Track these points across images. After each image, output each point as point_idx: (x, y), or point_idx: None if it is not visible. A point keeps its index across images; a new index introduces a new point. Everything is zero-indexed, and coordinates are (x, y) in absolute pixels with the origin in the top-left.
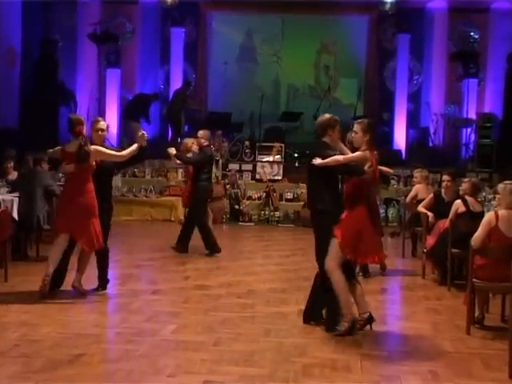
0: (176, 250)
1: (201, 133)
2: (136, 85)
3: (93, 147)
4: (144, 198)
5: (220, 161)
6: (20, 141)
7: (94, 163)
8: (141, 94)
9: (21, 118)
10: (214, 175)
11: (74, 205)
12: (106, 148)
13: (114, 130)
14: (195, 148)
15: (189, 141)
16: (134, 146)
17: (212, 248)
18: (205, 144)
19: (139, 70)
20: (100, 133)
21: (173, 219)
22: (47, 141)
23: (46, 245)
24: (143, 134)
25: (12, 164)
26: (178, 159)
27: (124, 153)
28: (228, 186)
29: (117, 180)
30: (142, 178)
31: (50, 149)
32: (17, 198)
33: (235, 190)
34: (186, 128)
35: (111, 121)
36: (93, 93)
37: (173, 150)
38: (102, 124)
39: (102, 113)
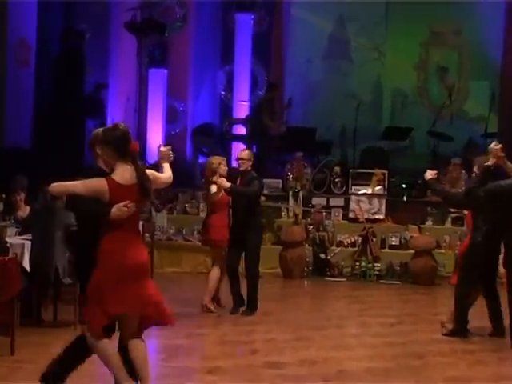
0: (247, 314)
1: (246, 153)
2: (188, 90)
3: (149, 172)
4: (197, 243)
5: (300, 193)
6: (34, 165)
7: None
8: None
9: (35, 134)
10: (291, 213)
11: (129, 268)
12: None
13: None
14: (224, 169)
15: (215, 160)
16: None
17: (253, 304)
18: (249, 168)
19: (192, 70)
20: None
21: None
22: (69, 165)
23: (65, 305)
24: (168, 149)
25: (23, 196)
26: (232, 193)
27: (168, 175)
28: (311, 228)
29: (161, 217)
30: (196, 215)
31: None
32: (29, 242)
33: (321, 234)
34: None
35: (155, 139)
36: (130, 101)
37: (225, 182)
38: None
39: (142, 128)
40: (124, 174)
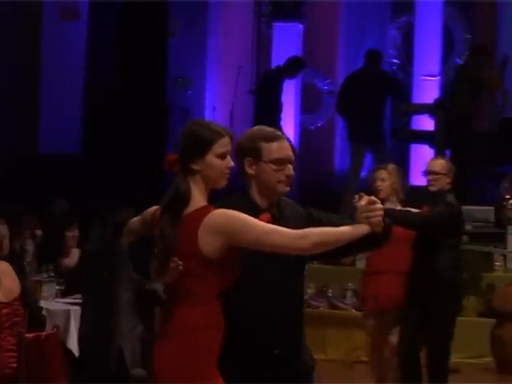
0: None
1: (440, 163)
2: (337, 58)
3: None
4: (354, 312)
5: None
6: (85, 181)
7: None
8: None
9: (86, 134)
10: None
11: None
12: None
13: None
14: (381, 185)
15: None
16: (351, 228)
17: None
18: (446, 187)
19: (343, 25)
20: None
21: None
22: (151, 185)
23: None
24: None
25: (76, 233)
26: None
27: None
28: None
29: None
30: (349, 265)
31: None
32: (78, 308)
33: None
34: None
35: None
36: (241, 74)
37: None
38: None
39: (260, 118)
40: None
